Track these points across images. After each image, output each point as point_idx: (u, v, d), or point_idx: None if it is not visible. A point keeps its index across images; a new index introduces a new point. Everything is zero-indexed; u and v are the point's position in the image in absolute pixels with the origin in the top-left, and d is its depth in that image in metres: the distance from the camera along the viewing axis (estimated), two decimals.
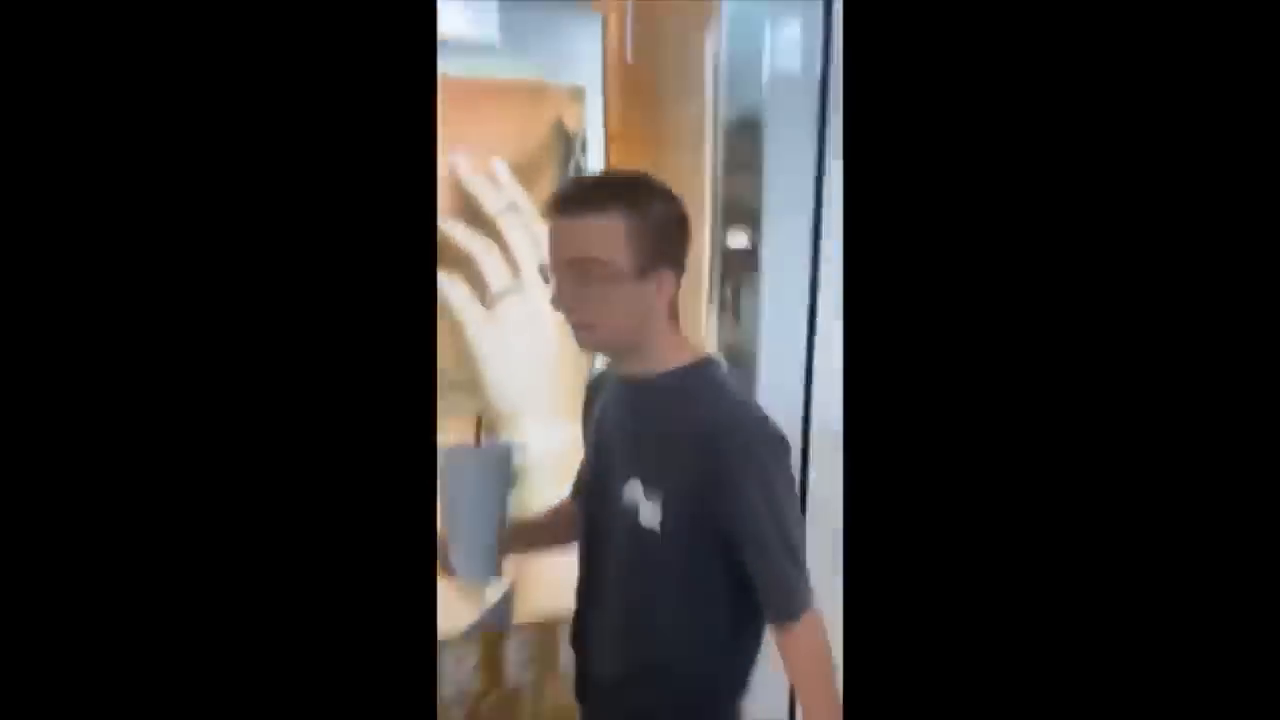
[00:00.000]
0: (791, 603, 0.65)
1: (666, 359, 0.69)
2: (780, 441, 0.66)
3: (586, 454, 0.79)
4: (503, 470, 0.71)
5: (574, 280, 0.64)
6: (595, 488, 0.74)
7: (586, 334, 0.67)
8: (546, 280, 0.99)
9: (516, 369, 1.21)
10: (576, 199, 0.65)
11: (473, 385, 1.17)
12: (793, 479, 0.68)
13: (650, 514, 0.65)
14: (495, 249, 1.20)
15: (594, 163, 1.30)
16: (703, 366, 0.70)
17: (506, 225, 1.20)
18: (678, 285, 0.68)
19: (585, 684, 0.78)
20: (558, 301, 0.66)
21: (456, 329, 1.16)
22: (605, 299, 0.64)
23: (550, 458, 1.13)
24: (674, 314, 0.69)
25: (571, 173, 1.24)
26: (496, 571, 0.72)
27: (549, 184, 1.21)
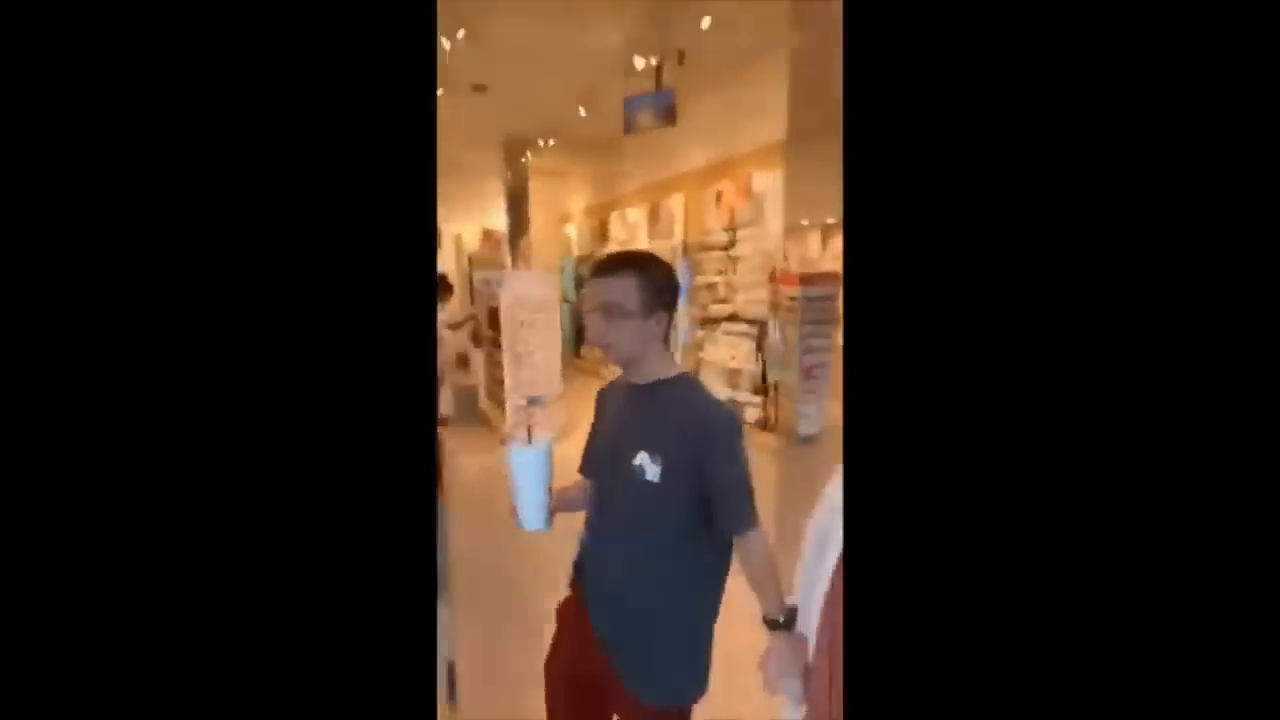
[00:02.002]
0: (744, 522, 1.00)
1: (662, 371, 1.06)
2: (737, 424, 1.05)
3: (599, 437, 1.16)
4: (547, 457, 1.08)
5: (602, 318, 1.02)
6: (608, 459, 1.08)
7: (609, 353, 1.04)
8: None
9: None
10: (605, 266, 1.03)
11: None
12: (743, 446, 1.03)
13: (653, 473, 0.99)
14: None
15: None
16: (686, 375, 1.08)
17: None
18: (670, 322, 1.06)
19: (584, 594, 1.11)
20: (590, 334, 1.04)
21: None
22: (621, 330, 1.01)
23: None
24: (666, 342, 1.07)
25: None
26: (550, 523, 1.11)
27: None
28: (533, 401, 4.84)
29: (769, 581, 0.97)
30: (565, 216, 10.39)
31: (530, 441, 1.08)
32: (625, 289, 0.99)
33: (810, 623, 0.83)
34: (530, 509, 1.07)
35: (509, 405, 4.97)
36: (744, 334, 5.21)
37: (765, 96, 4.95)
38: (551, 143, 7.84)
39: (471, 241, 9.85)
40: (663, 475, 0.98)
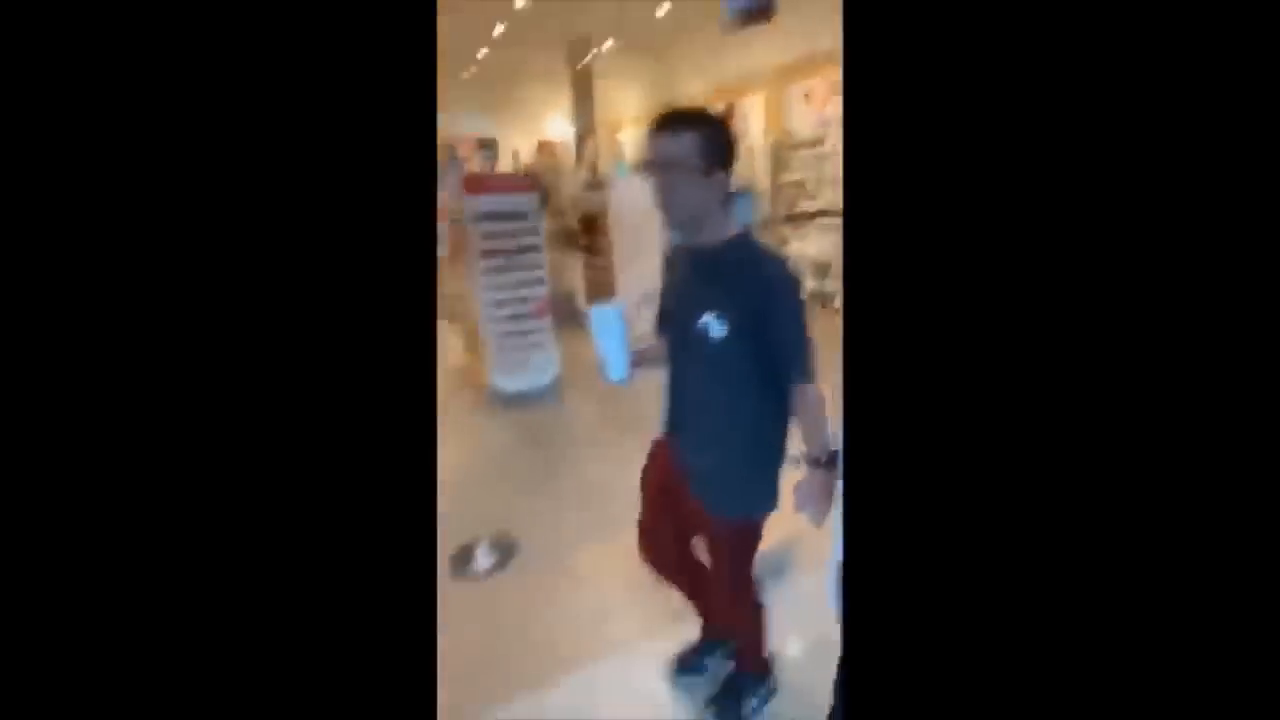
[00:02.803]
0: (805, 372, 1.06)
1: (723, 232, 1.08)
2: (797, 280, 1.07)
3: (667, 299, 1.23)
4: (622, 314, 1.20)
5: (664, 177, 1.02)
6: (679, 320, 1.15)
7: (668, 214, 1.06)
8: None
9: None
10: (663, 124, 1.03)
11: None
12: (803, 303, 1.07)
13: (719, 331, 1.05)
14: None
15: None
16: (746, 235, 1.10)
17: None
18: (729, 181, 1.06)
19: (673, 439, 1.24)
20: (655, 195, 1.04)
21: None
22: (681, 190, 1.02)
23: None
24: (727, 202, 1.07)
25: None
26: (629, 374, 1.20)
27: None
28: (647, 298, 5.28)
29: (819, 429, 1.05)
30: (617, 125, 10.39)
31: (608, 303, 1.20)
32: (685, 147, 0.99)
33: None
34: (613, 361, 1.18)
35: (623, 300, 5.43)
36: (834, 227, 5.57)
37: None
38: (611, 43, 7.81)
39: (527, 153, 9.95)
40: (728, 333, 1.04)
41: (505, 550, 2.10)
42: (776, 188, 6.29)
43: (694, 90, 7.93)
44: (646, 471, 1.33)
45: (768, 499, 1.17)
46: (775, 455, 1.17)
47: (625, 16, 6.76)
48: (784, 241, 6.22)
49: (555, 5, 6.14)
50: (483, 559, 2.07)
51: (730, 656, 1.46)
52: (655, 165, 1.02)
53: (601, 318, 1.17)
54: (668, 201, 1.04)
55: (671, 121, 1.02)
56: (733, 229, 1.09)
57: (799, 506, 1.07)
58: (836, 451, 1.06)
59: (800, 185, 6.14)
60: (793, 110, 6.15)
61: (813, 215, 5.93)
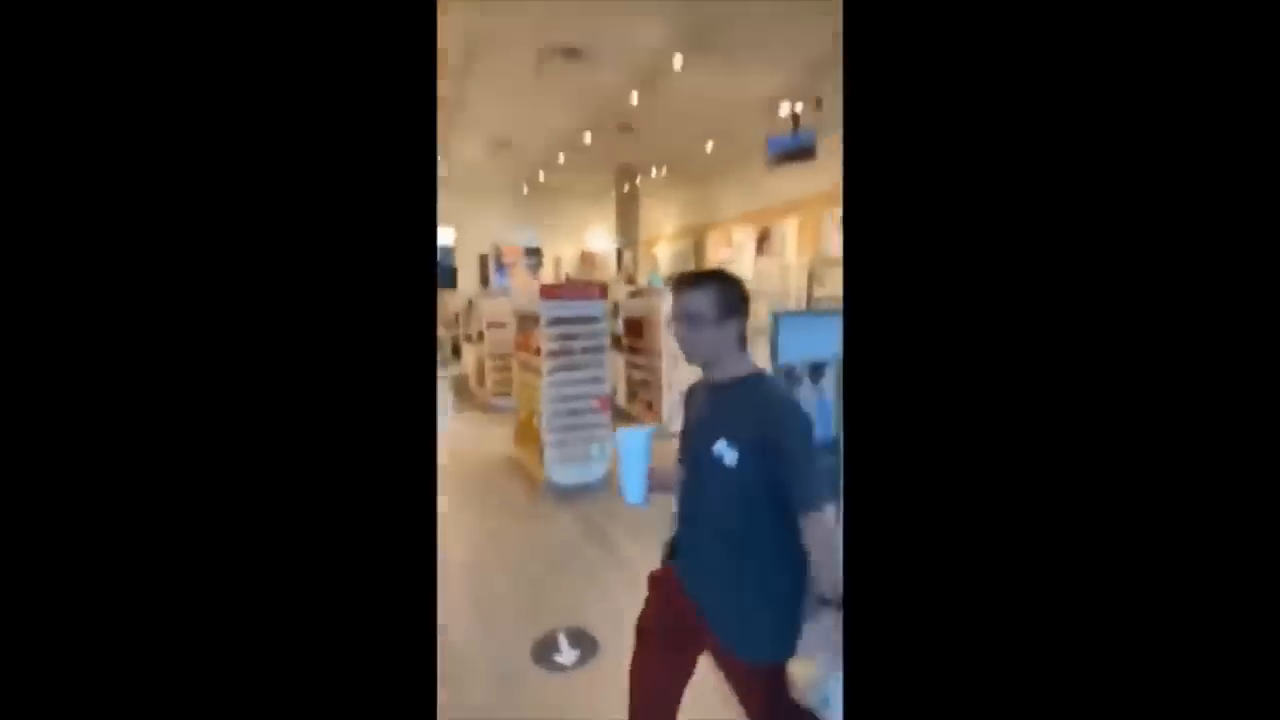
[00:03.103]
0: (809, 503, 1.09)
1: (738, 370, 1.19)
2: (804, 415, 1.15)
3: (687, 431, 1.28)
4: (649, 440, 1.26)
5: (685, 325, 1.17)
6: (696, 448, 1.21)
7: (690, 354, 1.20)
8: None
9: None
10: (685, 281, 1.20)
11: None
12: (812, 437, 1.15)
13: (731, 459, 1.12)
14: None
15: None
16: (760, 374, 1.22)
17: None
18: (743, 328, 1.19)
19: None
20: (678, 339, 1.20)
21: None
22: (700, 335, 1.16)
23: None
24: (742, 344, 1.20)
25: None
26: (648, 499, 1.26)
27: None
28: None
29: (827, 561, 1.07)
30: (653, 240, 11.19)
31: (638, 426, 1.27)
32: (702, 301, 1.15)
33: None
34: (632, 485, 1.24)
35: (666, 399, 5.66)
36: None
37: None
38: (656, 171, 8.64)
39: (569, 263, 10.66)
40: (739, 460, 1.11)
41: (587, 645, 2.17)
42: (811, 300, 6.69)
43: (731, 213, 8.63)
44: (647, 605, 1.33)
45: (787, 640, 1.16)
46: (793, 592, 1.16)
47: (674, 149, 7.57)
48: None
49: (615, 139, 6.94)
50: (567, 651, 2.13)
51: None
52: (678, 316, 1.19)
53: (629, 440, 1.23)
54: (688, 344, 1.19)
55: (691, 280, 1.20)
56: (748, 368, 1.20)
57: (803, 652, 1.10)
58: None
59: (835, 299, 6.54)
60: (827, 232, 6.68)
61: None
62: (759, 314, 1.50)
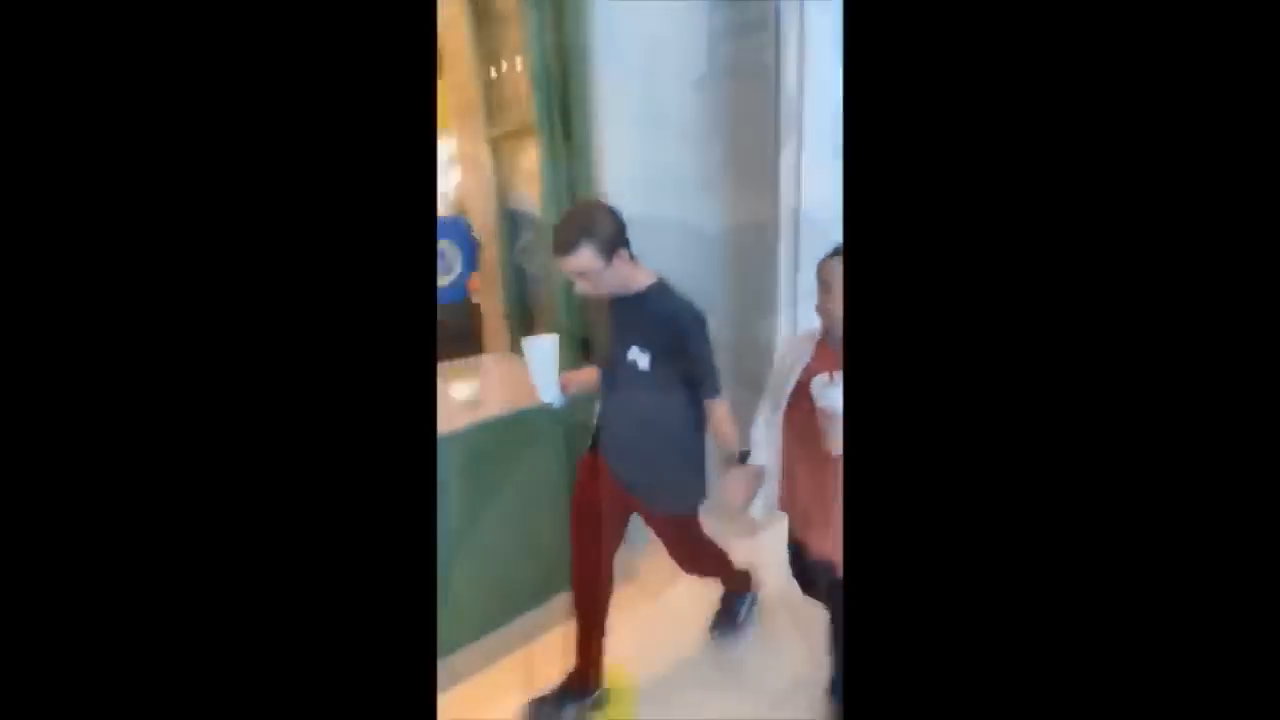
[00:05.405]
0: (711, 391, 1.31)
1: (638, 284, 1.31)
2: (702, 317, 1.29)
3: (601, 336, 1.45)
4: (554, 345, 1.38)
5: (579, 277, 1.23)
6: (613, 354, 1.36)
7: (590, 289, 1.27)
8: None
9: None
10: (560, 246, 1.20)
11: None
12: (707, 335, 1.29)
13: (645, 363, 1.29)
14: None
15: None
16: (658, 283, 1.33)
17: None
18: (629, 249, 1.25)
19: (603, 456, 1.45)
20: (578, 289, 1.27)
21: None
22: (596, 276, 1.23)
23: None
24: (632, 259, 1.28)
25: None
26: (562, 399, 1.43)
27: None
28: None
29: (728, 434, 1.34)
30: None
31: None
32: (584, 258, 1.20)
33: (760, 457, 1.32)
34: (545, 387, 1.39)
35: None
36: None
37: None
38: None
39: None
40: (651, 362, 1.29)
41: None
42: None
43: None
44: (578, 486, 1.53)
45: (697, 494, 1.47)
46: (698, 460, 1.43)
47: None
48: None
49: None
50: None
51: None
52: (574, 274, 1.24)
53: (535, 347, 1.36)
54: (594, 289, 1.27)
55: (566, 239, 1.20)
56: (647, 280, 1.32)
57: (723, 497, 1.33)
58: (746, 451, 1.36)
59: None
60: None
61: None
62: None
